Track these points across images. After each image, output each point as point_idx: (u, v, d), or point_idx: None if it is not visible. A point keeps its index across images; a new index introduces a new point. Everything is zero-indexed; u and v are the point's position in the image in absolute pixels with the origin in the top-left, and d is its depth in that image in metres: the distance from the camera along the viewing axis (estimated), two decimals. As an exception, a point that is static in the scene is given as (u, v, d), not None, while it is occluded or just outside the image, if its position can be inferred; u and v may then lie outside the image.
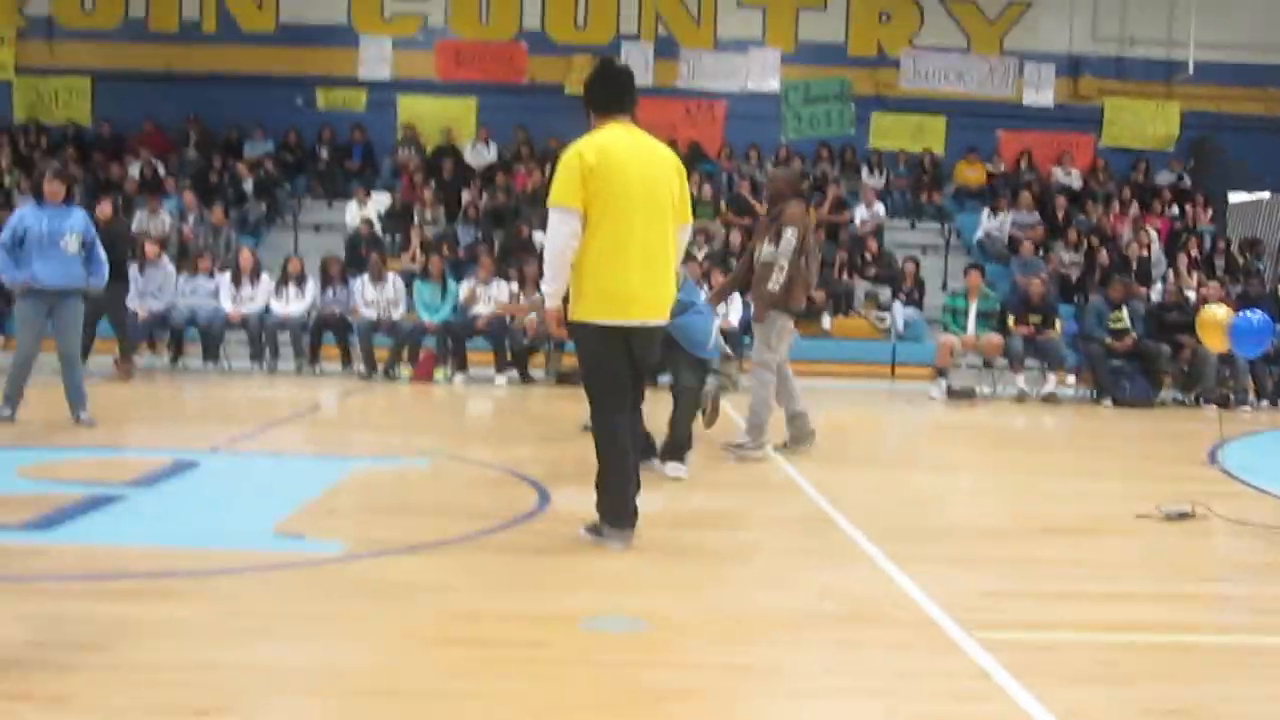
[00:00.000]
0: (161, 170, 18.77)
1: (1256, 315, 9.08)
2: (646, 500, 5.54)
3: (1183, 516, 6.36)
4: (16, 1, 20.35)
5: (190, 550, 4.99)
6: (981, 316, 13.75)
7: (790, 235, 8.00)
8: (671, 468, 7.23)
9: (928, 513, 6.61)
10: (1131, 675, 3.75)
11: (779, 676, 3.63)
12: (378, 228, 16.89)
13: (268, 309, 13.90)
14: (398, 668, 3.57)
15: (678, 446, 7.32)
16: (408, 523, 5.74)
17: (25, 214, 8.61)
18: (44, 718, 3.08)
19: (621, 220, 5.07)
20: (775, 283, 7.98)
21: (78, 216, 8.64)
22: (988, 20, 21.12)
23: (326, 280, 14.23)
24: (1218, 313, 9.57)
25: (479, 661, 3.65)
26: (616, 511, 5.25)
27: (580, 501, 6.15)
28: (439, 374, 13.66)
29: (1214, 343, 9.59)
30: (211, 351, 13.83)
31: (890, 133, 20.82)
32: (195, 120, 19.86)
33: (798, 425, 8.49)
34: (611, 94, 5.31)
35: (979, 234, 18.65)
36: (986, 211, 18.86)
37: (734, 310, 13.94)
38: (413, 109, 20.55)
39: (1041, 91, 20.94)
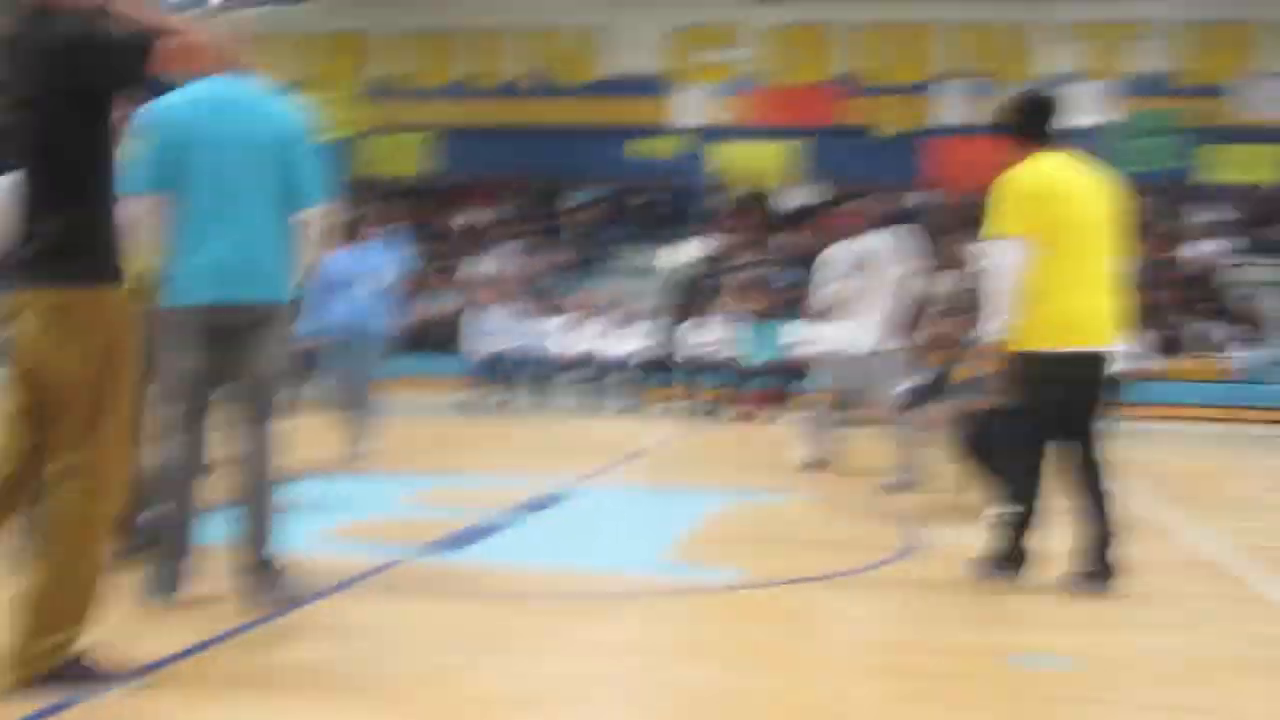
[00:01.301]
0: (490, 220, 19.68)
1: None
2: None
3: None
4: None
5: (594, 574, 5.14)
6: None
7: (968, 272, 7.73)
8: None
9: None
10: None
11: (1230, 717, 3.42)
12: (698, 271, 17.20)
13: (599, 350, 14.31)
14: (832, 697, 3.54)
15: None
16: (796, 555, 5.74)
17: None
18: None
19: (1068, 245, 4.84)
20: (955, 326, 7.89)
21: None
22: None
23: (656, 322, 14.56)
24: None
25: (914, 693, 3.58)
26: (1013, 553, 5.00)
27: (961, 537, 6.04)
28: (765, 414, 13.73)
29: None
30: (542, 390, 14.32)
31: (1222, 164, 19.76)
32: (521, 171, 20.73)
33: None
34: (1039, 119, 5.09)
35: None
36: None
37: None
38: (726, 155, 20.85)
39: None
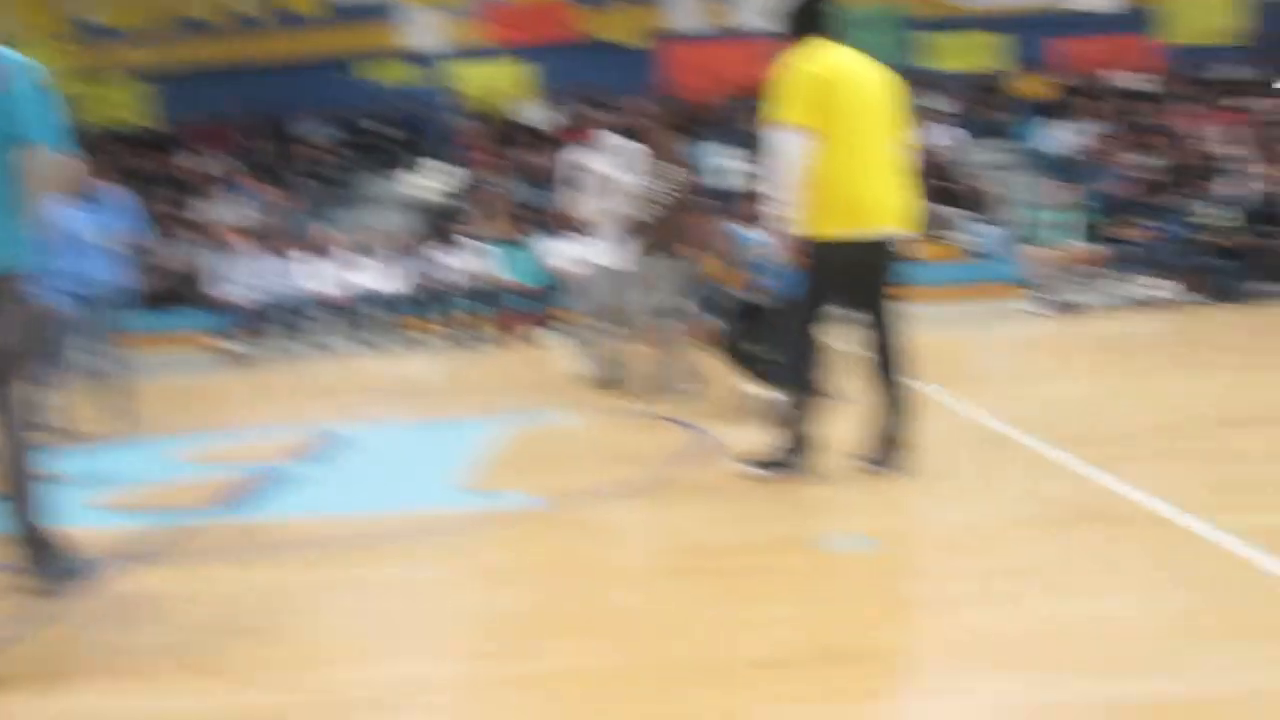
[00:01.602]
0: (222, 162, 18.80)
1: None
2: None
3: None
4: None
5: (393, 514, 4.99)
6: (1073, 226, 13.55)
7: (671, 172, 7.87)
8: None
9: (1094, 417, 6.49)
10: None
11: (1044, 575, 3.57)
12: (447, 197, 16.88)
13: (355, 285, 13.92)
14: (653, 599, 3.54)
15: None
16: (592, 470, 5.71)
17: None
18: (339, 669, 3.08)
19: (857, 133, 4.87)
20: (652, 220, 7.86)
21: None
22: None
23: (410, 252, 14.23)
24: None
25: (714, 591, 3.60)
26: (799, 443, 5.04)
27: (749, 436, 6.13)
28: (534, 334, 13.68)
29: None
30: (304, 332, 13.87)
31: (949, 53, 20.46)
32: (253, 110, 19.85)
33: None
34: (815, 19, 5.10)
35: (1052, 146, 18.33)
36: (1056, 124, 18.52)
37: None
38: (466, 77, 20.44)
39: (1092, -7, 20.54)
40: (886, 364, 5.11)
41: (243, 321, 13.89)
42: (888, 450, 5.08)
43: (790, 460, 5.05)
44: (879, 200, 4.92)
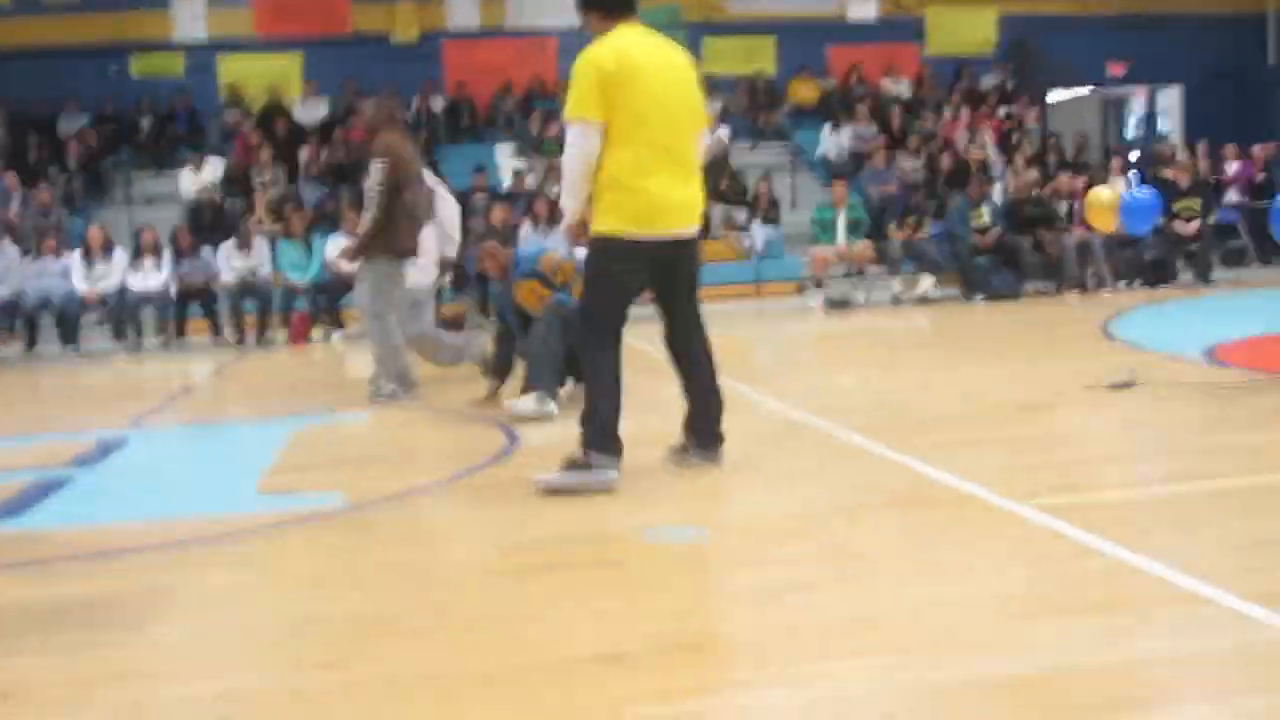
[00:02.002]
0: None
1: (1144, 192, 9.43)
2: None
3: (1127, 385, 6.57)
4: None
5: (188, 519, 4.70)
6: (850, 227, 13.97)
7: (379, 167, 7.34)
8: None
9: (888, 406, 6.67)
10: (1204, 520, 3.85)
11: (870, 560, 3.61)
12: (217, 194, 16.24)
13: (124, 286, 13.22)
14: (482, 599, 3.44)
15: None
16: (394, 470, 5.54)
17: None
18: (158, 685, 2.87)
19: (649, 128, 4.70)
20: (366, 223, 7.41)
21: None
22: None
23: (180, 251, 13.59)
24: (1104, 194, 9.89)
25: (570, 584, 3.53)
26: (608, 441, 4.76)
27: (549, 435, 6.08)
28: (315, 334, 13.27)
29: (1104, 224, 9.92)
30: (70, 334, 13.11)
31: (722, 57, 20.86)
32: (3, 99, 18.68)
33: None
34: None
35: (823, 149, 18.87)
36: (827, 127, 19.08)
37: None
38: (235, 70, 19.73)
39: (865, 6, 21.30)
40: (692, 359, 5.10)
41: (9, 320, 13.03)
42: (699, 442, 5.06)
43: (593, 460, 4.76)
44: (672, 197, 4.78)
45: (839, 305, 13.72)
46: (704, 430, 5.06)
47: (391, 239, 7.41)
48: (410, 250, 7.56)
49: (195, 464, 6.32)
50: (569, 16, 18.89)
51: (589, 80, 4.64)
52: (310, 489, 5.08)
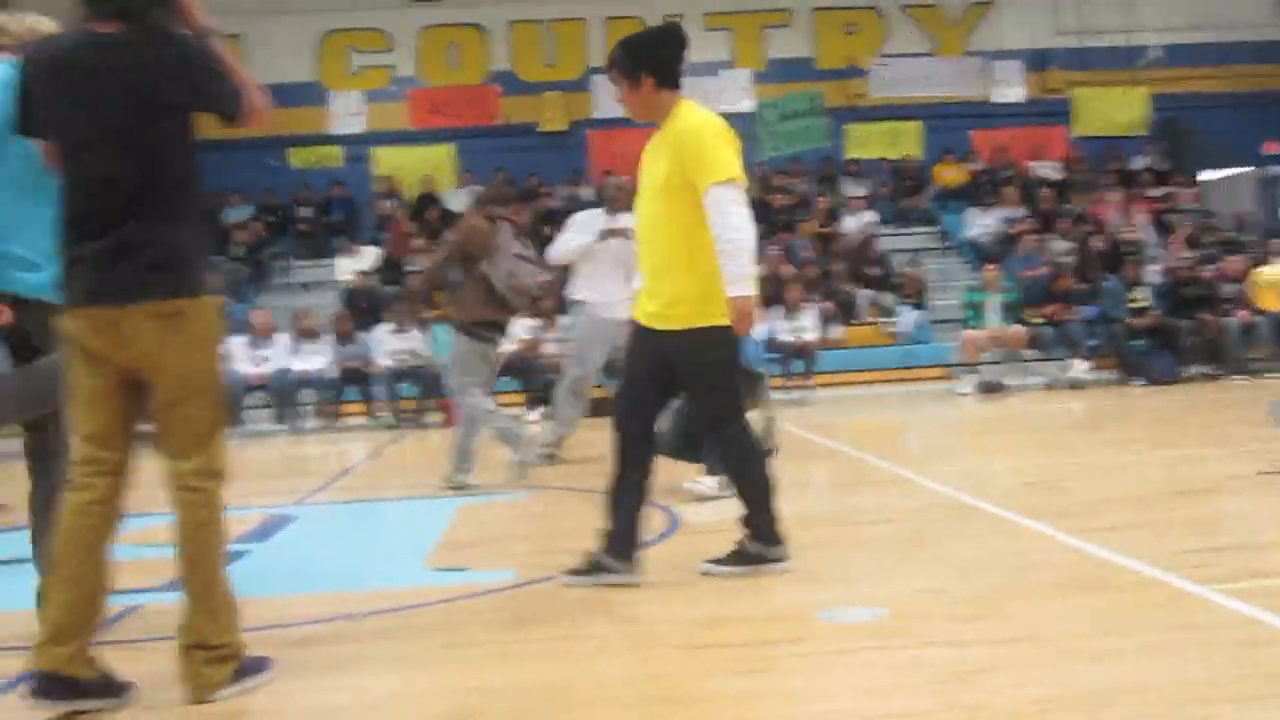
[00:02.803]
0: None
1: (1316, 271, 9.12)
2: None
3: (1303, 471, 6.34)
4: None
5: (360, 593, 4.80)
6: (1003, 310, 13.79)
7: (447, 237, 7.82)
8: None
9: (1054, 489, 6.53)
10: None
11: (1051, 643, 3.52)
12: (372, 280, 16.74)
13: (286, 368, 13.67)
14: (673, 675, 3.43)
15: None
16: (562, 548, 5.57)
17: None
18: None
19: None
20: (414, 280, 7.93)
21: None
22: (951, 23, 21.35)
23: (340, 335, 14.03)
24: (1270, 273, 9.58)
25: (749, 661, 3.51)
26: (776, 528, 4.65)
27: (709, 513, 6.09)
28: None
29: (1270, 304, 9.60)
30: (234, 415, 13.55)
31: (867, 142, 20.91)
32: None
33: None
34: (674, 56, 4.56)
35: (970, 233, 18.70)
36: (973, 210, 18.94)
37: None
38: (390, 160, 20.40)
39: (1011, 88, 21.19)
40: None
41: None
42: (619, 547, 4.63)
43: (765, 547, 4.64)
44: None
45: (991, 389, 13.51)
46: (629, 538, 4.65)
47: (460, 308, 7.61)
48: (480, 321, 7.55)
49: (362, 541, 6.44)
50: (712, 103, 19.19)
51: (731, 144, 4.40)
52: (483, 564, 5.15)
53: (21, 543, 4.31)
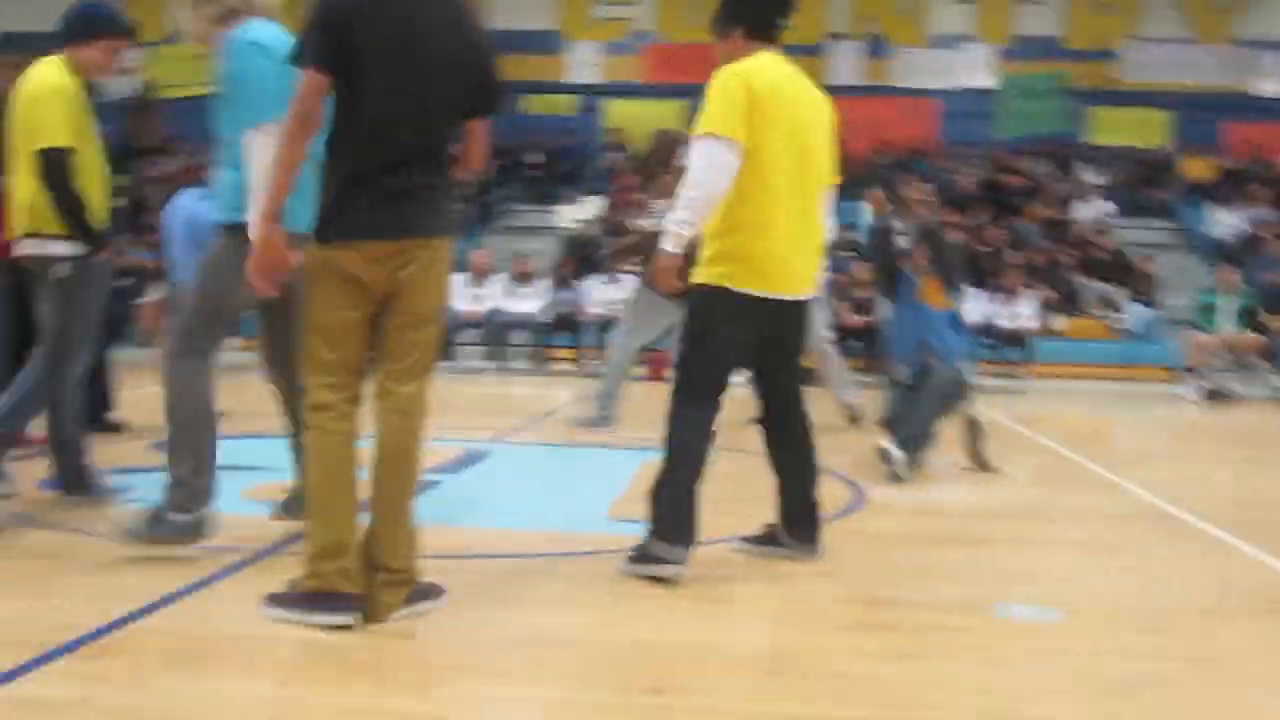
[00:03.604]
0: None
1: None
2: (960, 491, 5.27)
3: None
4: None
5: (538, 534, 4.90)
6: (1239, 314, 13.09)
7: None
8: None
9: (1266, 507, 6.20)
10: None
11: (1232, 665, 3.35)
12: (593, 229, 16.96)
13: (500, 309, 14.00)
14: (817, 649, 3.40)
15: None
16: (738, 511, 5.56)
17: None
18: (503, 689, 2.99)
19: (779, 171, 4.09)
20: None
21: None
22: (1214, 7, 20.23)
23: (559, 280, 14.28)
24: None
25: (904, 645, 3.45)
26: (677, 526, 4.13)
27: (899, 493, 6.01)
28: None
29: None
30: (446, 350, 14.00)
31: (1111, 127, 20.04)
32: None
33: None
34: (775, 9, 4.26)
35: (1214, 230, 17.78)
36: (1217, 208, 18.00)
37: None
38: (621, 113, 20.58)
39: (1274, 80, 19.99)
40: (790, 439, 4.49)
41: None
42: (807, 527, 4.48)
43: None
44: (794, 253, 4.19)
45: (1217, 396, 12.85)
46: (804, 517, 4.49)
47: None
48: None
49: (551, 483, 6.58)
50: (953, 78, 18.69)
51: (736, 96, 4.00)
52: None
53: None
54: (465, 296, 14.04)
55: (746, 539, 4.62)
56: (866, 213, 17.64)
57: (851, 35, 20.74)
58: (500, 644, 3.36)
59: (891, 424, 6.79)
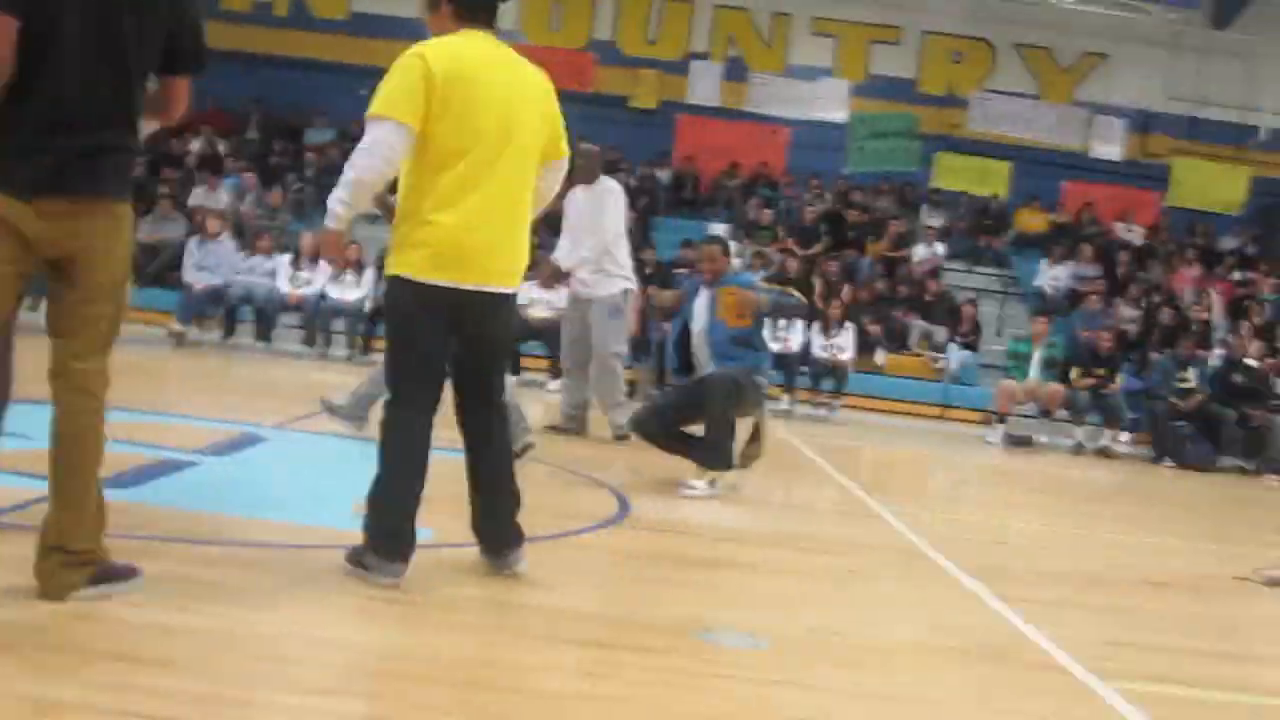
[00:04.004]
0: (223, 149, 18.67)
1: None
2: (720, 514, 5.31)
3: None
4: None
5: (274, 523, 4.79)
6: (1045, 365, 13.50)
7: None
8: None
9: (1018, 553, 6.38)
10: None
11: (925, 706, 3.41)
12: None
13: (324, 294, 13.74)
14: (513, 664, 3.36)
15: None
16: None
17: None
18: (152, 679, 2.88)
19: (471, 155, 3.92)
20: None
21: None
22: (1061, 68, 20.97)
23: (381, 269, 14.05)
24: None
25: (598, 664, 3.44)
26: (390, 536, 3.99)
27: (663, 510, 6.02)
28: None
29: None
30: (264, 331, 13.70)
31: (954, 174, 20.50)
32: (259, 102, 19.78)
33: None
34: None
35: (1039, 282, 18.33)
36: (1045, 261, 18.57)
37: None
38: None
39: (1110, 145, 20.79)
40: (484, 444, 4.26)
41: (198, 307, 13.61)
42: (507, 537, 4.28)
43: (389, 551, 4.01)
44: (488, 240, 3.99)
45: (1018, 442, 13.24)
46: (503, 526, 4.30)
47: None
48: None
49: (311, 473, 6.42)
50: (806, 109, 18.92)
51: (411, 77, 3.85)
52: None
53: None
54: (290, 279, 13.75)
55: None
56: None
57: (713, 57, 20.92)
58: (171, 633, 3.25)
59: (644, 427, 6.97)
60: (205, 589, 3.68)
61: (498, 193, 4.00)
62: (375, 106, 3.86)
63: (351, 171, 3.89)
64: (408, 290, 3.94)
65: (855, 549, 5.86)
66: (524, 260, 4.17)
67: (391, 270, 4.00)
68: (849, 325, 14.66)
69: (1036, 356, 13.55)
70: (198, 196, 16.11)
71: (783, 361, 13.90)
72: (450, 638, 3.57)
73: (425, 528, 4.86)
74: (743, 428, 6.86)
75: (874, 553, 5.80)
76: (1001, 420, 13.44)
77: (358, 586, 3.94)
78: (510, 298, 4.16)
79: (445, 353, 4.06)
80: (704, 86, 20.90)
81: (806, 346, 14.22)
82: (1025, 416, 13.92)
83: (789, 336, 13.98)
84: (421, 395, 4.04)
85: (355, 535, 4.36)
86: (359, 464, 6.57)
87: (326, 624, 3.54)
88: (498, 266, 4.06)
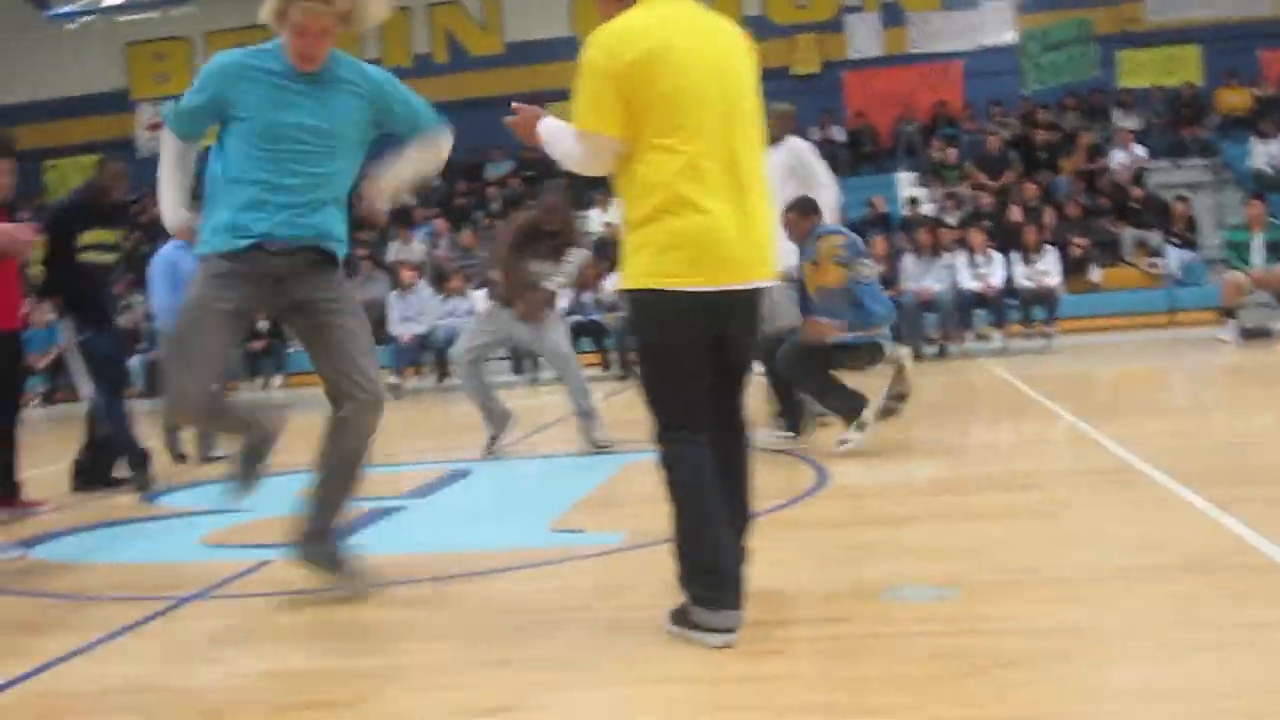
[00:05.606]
0: (411, 200, 19.30)
1: None
2: (924, 467, 5.18)
3: None
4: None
5: (467, 554, 4.91)
6: (1269, 249, 12.72)
7: None
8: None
9: (1244, 454, 6.03)
10: None
11: (1111, 638, 3.25)
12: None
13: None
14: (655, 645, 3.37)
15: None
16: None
17: None
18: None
19: (698, 133, 3.37)
20: None
21: None
22: (1242, -68, 19.70)
23: (583, 284, 14.30)
24: None
25: (782, 640, 3.41)
26: (710, 582, 3.40)
27: (862, 474, 5.95)
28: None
29: None
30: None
31: (1140, 70, 19.62)
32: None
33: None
34: None
35: (1252, 163, 17.30)
36: (1255, 139, 17.50)
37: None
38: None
39: (1309, 3, 19.39)
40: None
41: (408, 357, 14.14)
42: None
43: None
44: (737, 235, 3.40)
45: (1255, 335, 12.51)
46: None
47: None
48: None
49: (511, 499, 6.56)
50: (974, 38, 18.46)
51: (594, 83, 3.39)
52: (597, 528, 5.18)
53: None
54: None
55: None
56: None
57: (866, 7, 20.50)
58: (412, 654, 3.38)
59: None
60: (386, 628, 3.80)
61: (743, 172, 3.45)
62: (577, 122, 3.45)
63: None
64: (660, 301, 3.39)
65: (1063, 480, 5.65)
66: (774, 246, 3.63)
67: (635, 283, 3.44)
68: (1050, 249, 14.15)
69: (1258, 241, 12.77)
70: (393, 251, 16.71)
71: (984, 301, 13.58)
72: (645, 639, 3.58)
73: (614, 531, 4.98)
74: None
75: (1083, 479, 5.57)
76: (1232, 315, 12.71)
77: (535, 603, 4.01)
78: (765, 293, 3.62)
79: (707, 364, 3.50)
80: (863, 39, 20.50)
81: (1008, 281, 13.80)
82: (1259, 306, 13.13)
83: (989, 274, 13.61)
84: (693, 415, 3.49)
85: (542, 551, 4.47)
86: (554, 484, 6.80)
87: (512, 646, 3.61)
88: (752, 257, 3.47)
